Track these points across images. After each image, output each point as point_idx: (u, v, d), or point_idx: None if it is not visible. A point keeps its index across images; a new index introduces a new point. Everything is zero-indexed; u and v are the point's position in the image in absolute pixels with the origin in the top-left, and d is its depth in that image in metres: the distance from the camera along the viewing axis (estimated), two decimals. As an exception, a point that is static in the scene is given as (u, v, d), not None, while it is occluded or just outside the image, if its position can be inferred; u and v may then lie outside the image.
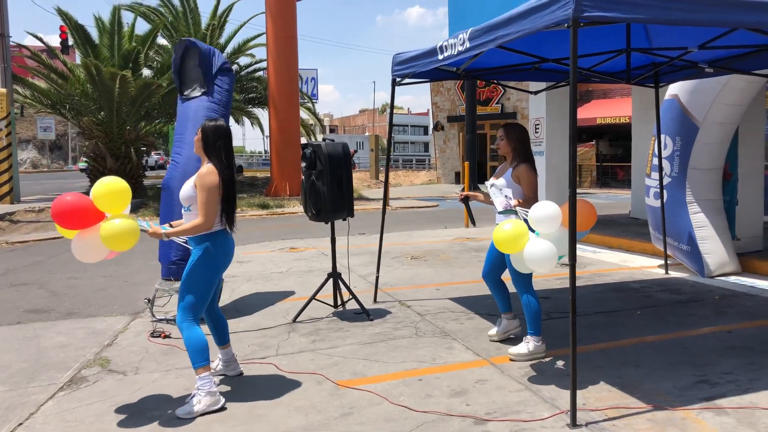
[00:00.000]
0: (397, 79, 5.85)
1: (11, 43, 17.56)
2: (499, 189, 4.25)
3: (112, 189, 3.54)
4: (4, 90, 16.51)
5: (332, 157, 5.38)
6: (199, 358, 3.60)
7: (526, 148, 4.41)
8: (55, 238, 11.18)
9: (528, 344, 4.33)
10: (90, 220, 3.51)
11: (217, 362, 4.14)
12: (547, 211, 3.72)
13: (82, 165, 20.20)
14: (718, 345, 4.59)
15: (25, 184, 21.79)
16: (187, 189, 3.72)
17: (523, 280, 4.32)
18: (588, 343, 4.67)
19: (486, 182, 4.48)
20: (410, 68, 5.47)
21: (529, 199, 4.25)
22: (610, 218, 11.69)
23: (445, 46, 4.71)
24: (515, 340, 4.70)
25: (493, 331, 4.80)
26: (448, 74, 6.05)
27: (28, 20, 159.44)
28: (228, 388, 3.93)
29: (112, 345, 4.93)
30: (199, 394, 3.57)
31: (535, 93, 7.45)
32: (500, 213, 4.23)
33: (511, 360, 4.31)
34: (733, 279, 6.80)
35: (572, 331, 3.37)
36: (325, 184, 5.34)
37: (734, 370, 4.05)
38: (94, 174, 17.72)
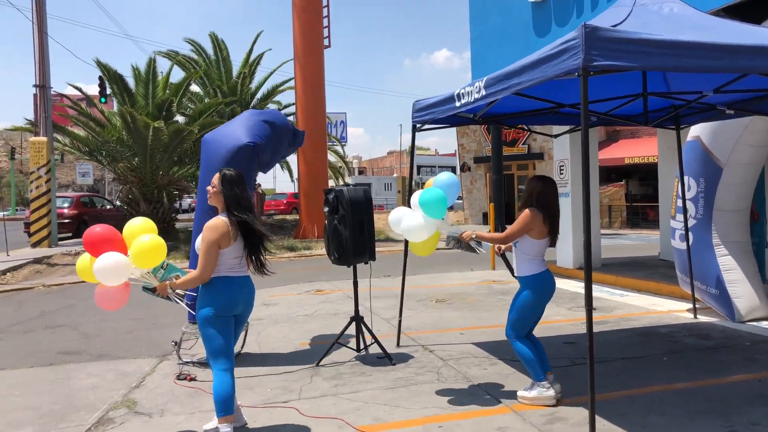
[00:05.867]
0: (417, 125, 5.98)
1: (52, 93, 18.34)
2: None
3: (150, 247, 3.77)
4: (44, 138, 17.18)
5: (354, 202, 5.49)
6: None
7: (533, 196, 4.45)
8: (88, 281, 11.45)
9: (533, 389, 4.39)
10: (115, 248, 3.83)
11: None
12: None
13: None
14: (747, 393, 4.48)
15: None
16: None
17: (515, 328, 4.42)
18: (613, 389, 4.61)
19: None
20: (429, 115, 5.59)
21: (508, 235, 4.38)
22: (639, 260, 11.54)
23: (462, 93, 4.83)
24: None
25: (551, 392, 4.41)
26: (466, 120, 6.16)
27: (69, 70, 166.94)
28: (249, 433, 3.97)
29: (139, 387, 5.03)
30: None
31: (555, 136, 7.52)
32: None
33: (519, 399, 4.41)
34: (765, 324, 6.64)
35: (590, 381, 3.35)
36: (347, 228, 5.44)
37: (762, 421, 3.95)
38: (128, 218, 18.21)
